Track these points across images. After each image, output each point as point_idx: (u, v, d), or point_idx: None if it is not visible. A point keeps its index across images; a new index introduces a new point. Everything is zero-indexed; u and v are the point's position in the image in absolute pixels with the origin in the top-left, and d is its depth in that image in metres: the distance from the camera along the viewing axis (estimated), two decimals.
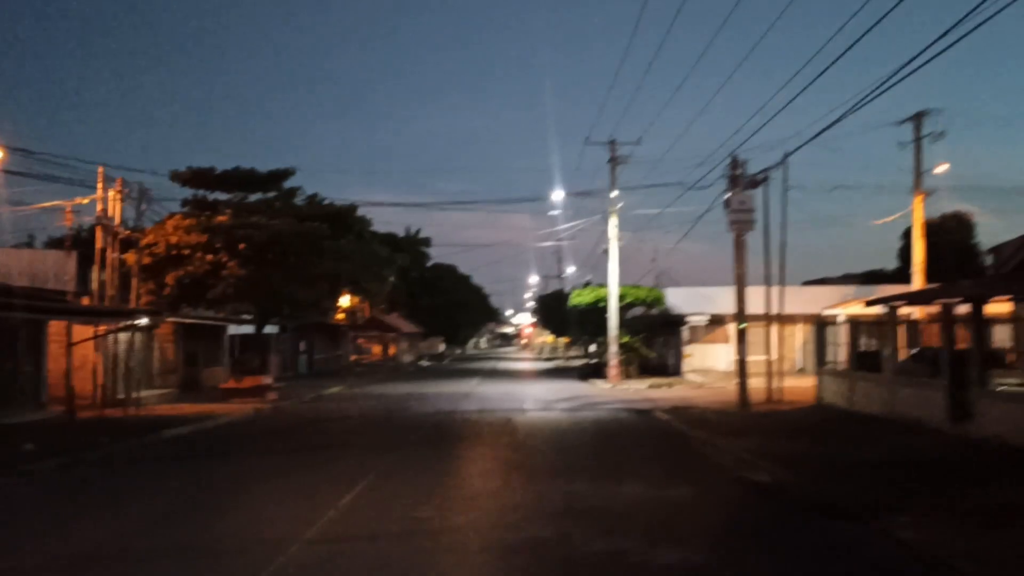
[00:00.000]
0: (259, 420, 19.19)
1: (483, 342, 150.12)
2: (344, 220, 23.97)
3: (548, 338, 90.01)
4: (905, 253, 47.63)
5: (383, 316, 67.30)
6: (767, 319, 22.48)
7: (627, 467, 11.29)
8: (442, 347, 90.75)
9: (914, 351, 19.31)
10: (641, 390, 28.48)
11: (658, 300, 34.35)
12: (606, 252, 31.76)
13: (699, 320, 34.98)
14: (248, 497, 9.37)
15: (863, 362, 19.24)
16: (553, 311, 57.15)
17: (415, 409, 20.75)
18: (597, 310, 35.64)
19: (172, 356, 27.86)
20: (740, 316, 19.90)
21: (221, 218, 22.39)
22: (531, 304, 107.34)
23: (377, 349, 68.69)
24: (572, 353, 66.16)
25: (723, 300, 36.21)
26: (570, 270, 64.26)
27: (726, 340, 35.75)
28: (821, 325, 20.80)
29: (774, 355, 34.88)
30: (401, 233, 78.28)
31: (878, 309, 17.53)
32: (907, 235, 47.83)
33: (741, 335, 19.90)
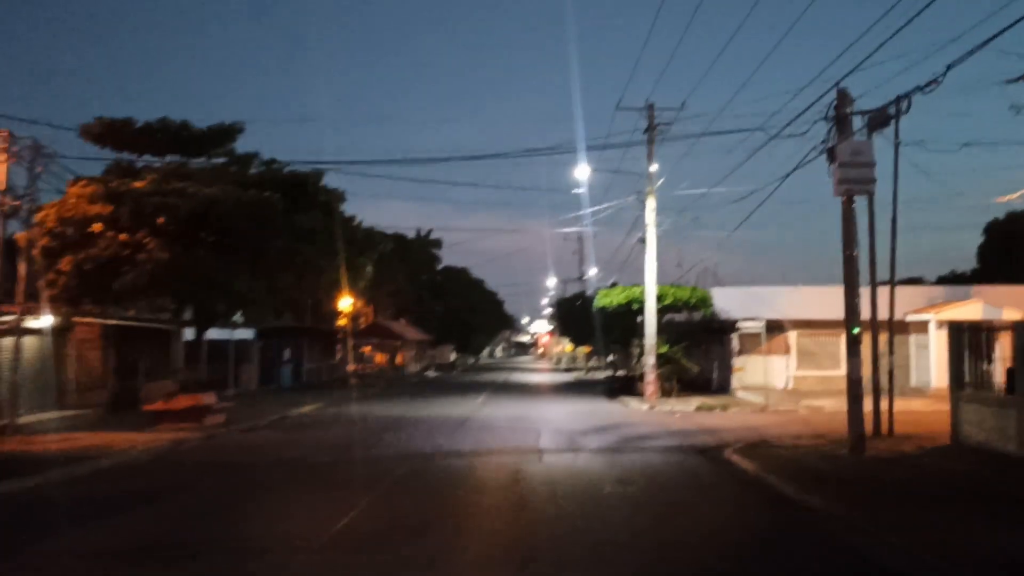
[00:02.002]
0: (158, 464, 13.41)
1: (498, 351, 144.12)
2: (305, 189, 18.30)
3: (567, 347, 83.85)
4: (987, 252, 41.34)
5: (387, 322, 61.79)
6: (873, 324, 16.55)
7: None
8: (453, 356, 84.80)
9: None
10: (688, 414, 22.52)
11: (703, 302, 28.40)
12: (642, 241, 25.86)
13: (753, 327, 28.98)
14: None
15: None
16: (573, 316, 51.27)
17: (386, 446, 14.95)
18: (629, 313, 29.77)
19: (99, 366, 22.23)
20: (851, 317, 13.95)
21: (138, 184, 16.79)
22: (548, 311, 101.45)
23: (381, 358, 63.09)
24: (593, 363, 60.07)
25: (782, 303, 30.15)
26: (591, 272, 58.31)
27: (785, 351, 29.68)
28: (958, 331, 14.89)
29: (865, 371, 28.83)
30: (411, 234, 73.03)
31: None
32: (989, 230, 41.60)
33: (853, 343, 13.94)
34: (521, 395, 31.26)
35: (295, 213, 17.77)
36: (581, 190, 27.37)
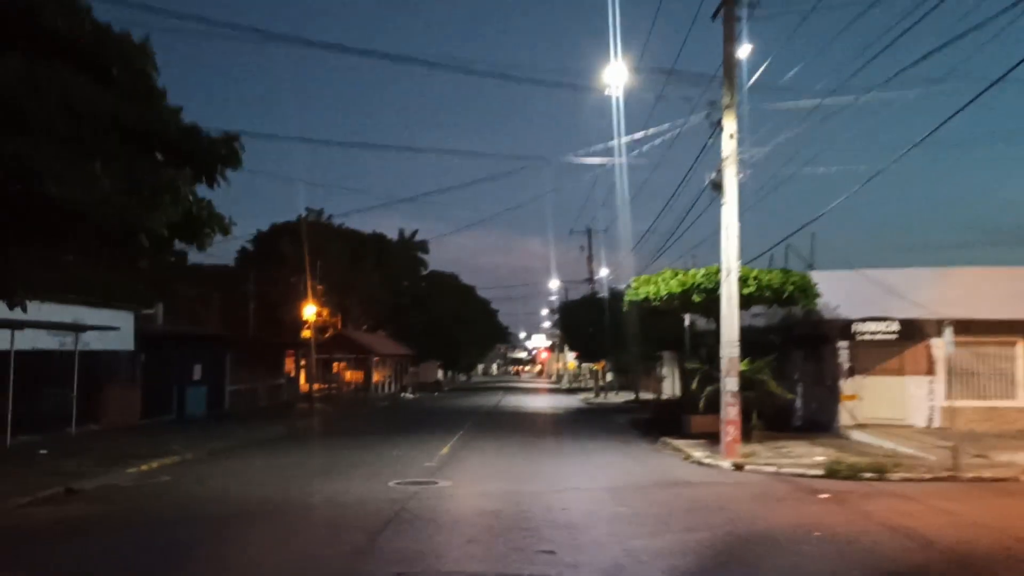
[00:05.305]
0: None
1: (493, 367, 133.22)
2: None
3: (569, 363, 72.90)
4: None
5: (357, 334, 51.35)
6: None
7: None
8: (440, 374, 74.08)
9: None
10: (831, 488, 11.97)
11: (805, 293, 17.94)
12: (716, 187, 15.45)
13: (879, 331, 18.57)
14: None
15: None
16: (582, 323, 40.76)
17: None
18: (674, 312, 19.32)
19: None
20: None
21: None
22: (548, 322, 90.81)
23: (353, 376, 52.56)
24: (602, 383, 49.02)
25: (922, 295, 19.84)
26: (603, 272, 47.91)
27: (926, 369, 19.20)
28: None
29: None
30: (394, 235, 63.09)
31: None
32: None
33: None
34: (514, 435, 20.72)
35: None
36: (612, 89, 16.91)
